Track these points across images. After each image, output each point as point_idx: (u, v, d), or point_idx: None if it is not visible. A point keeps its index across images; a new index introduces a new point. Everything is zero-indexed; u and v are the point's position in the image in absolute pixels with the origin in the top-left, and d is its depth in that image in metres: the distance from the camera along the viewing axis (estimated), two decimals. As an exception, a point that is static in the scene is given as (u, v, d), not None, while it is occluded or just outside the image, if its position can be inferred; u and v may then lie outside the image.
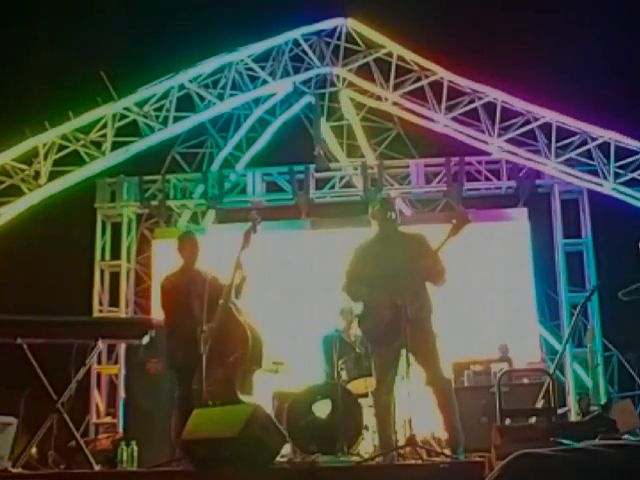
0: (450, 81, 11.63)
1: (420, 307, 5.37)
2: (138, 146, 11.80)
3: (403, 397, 5.46)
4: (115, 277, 12.27)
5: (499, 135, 11.51)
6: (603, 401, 9.83)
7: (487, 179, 12.03)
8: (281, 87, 12.34)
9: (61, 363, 5.89)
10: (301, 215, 12.04)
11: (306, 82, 12.46)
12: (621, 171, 11.28)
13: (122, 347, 11.30)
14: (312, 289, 11.16)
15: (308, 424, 6.43)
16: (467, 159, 11.91)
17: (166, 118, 11.78)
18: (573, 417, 9.84)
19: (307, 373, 7.69)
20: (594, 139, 11.37)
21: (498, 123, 11.48)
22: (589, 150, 11.39)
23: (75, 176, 11.56)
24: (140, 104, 11.75)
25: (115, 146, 11.69)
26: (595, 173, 11.38)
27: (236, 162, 12.87)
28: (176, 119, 11.84)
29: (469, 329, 10.63)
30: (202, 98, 11.95)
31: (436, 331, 5.52)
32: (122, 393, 11.13)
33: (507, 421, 6.13)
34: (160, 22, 13.11)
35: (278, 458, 5.37)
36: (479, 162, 11.99)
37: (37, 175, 11.47)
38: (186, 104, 11.91)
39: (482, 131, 11.58)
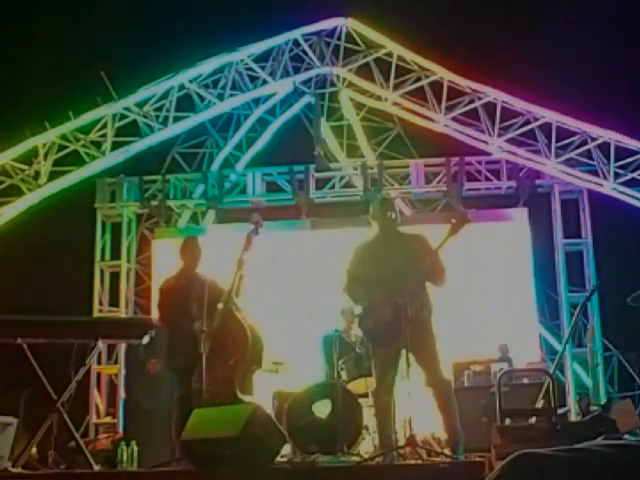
0: (450, 81, 11.63)
1: (420, 307, 5.37)
2: (138, 146, 11.80)
3: (403, 397, 5.46)
4: (115, 277, 12.27)
5: (499, 135, 11.51)
6: (603, 401, 9.83)
7: (487, 179, 12.03)
8: (281, 87, 12.34)
9: (61, 363, 5.89)
10: (301, 215, 12.05)
11: (306, 82, 12.46)
12: (621, 171, 11.28)
13: (122, 347, 11.30)
14: (312, 289, 11.16)
15: (308, 424, 6.43)
16: (467, 159, 11.92)
17: (166, 118, 11.78)
18: (573, 417, 9.83)
19: (307, 373, 7.69)
20: (594, 139, 11.37)
21: (498, 123, 11.48)
22: (589, 150, 11.39)
23: (75, 176, 11.56)
24: (140, 104, 11.76)
25: (115, 146, 11.69)
26: (595, 173, 11.38)
27: (236, 162, 12.87)
28: (176, 119, 11.84)
29: (469, 329, 10.63)
30: (202, 98, 11.95)
31: (436, 332, 5.52)
32: (122, 393, 11.13)
33: (507, 421, 6.13)
34: (160, 22, 13.11)
35: (278, 458, 5.37)
36: (479, 162, 12.00)
37: (37, 175, 11.47)
38: (186, 104, 11.91)
39: (482, 131, 11.58)
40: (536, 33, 12.25)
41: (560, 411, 7.34)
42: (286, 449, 6.06)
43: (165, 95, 11.79)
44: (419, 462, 5.07)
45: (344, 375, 6.88)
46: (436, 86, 11.66)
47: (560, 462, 1.65)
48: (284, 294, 11.38)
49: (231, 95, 12.03)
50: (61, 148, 11.56)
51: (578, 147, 11.40)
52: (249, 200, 12.39)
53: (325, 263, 10.95)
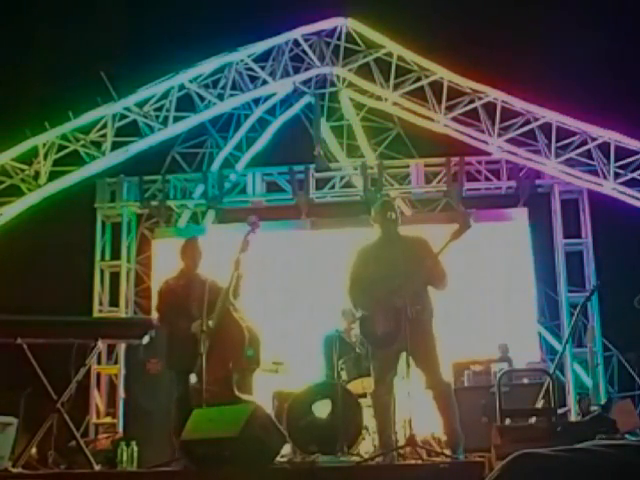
0: (450, 81, 11.63)
1: (421, 310, 5.37)
2: (138, 146, 11.80)
3: (403, 397, 5.46)
4: (115, 277, 12.28)
5: (499, 135, 11.51)
6: (603, 401, 9.84)
7: (487, 179, 12.03)
8: (281, 87, 12.34)
9: (61, 363, 5.88)
10: (301, 215, 12.05)
11: (306, 82, 12.46)
12: (621, 171, 11.28)
13: (122, 347, 11.30)
14: (312, 289, 11.17)
15: (308, 424, 6.43)
16: (467, 159, 11.92)
17: (166, 118, 11.78)
18: (573, 417, 9.84)
19: (307, 373, 7.69)
20: (594, 139, 11.37)
21: (498, 123, 11.49)
22: (589, 150, 11.39)
23: (75, 176, 11.57)
24: (140, 104, 11.76)
25: (115, 146, 11.70)
26: (595, 173, 11.38)
27: (236, 162, 12.87)
28: (176, 119, 11.84)
29: (469, 329, 10.64)
30: (202, 98, 11.95)
31: (437, 334, 5.52)
32: (122, 393, 11.13)
33: (507, 421, 6.13)
34: (160, 22, 13.11)
35: (278, 458, 5.37)
36: (479, 162, 12.00)
37: (37, 175, 11.48)
38: (186, 104, 11.91)
39: (482, 131, 11.58)
40: (536, 33, 12.24)
41: (560, 411, 7.34)
42: (286, 449, 6.06)
43: (165, 95, 11.79)
44: (419, 462, 5.07)
45: (344, 375, 6.88)
46: (436, 86, 11.66)
47: (560, 462, 1.65)
48: (284, 294, 11.38)
49: (231, 95, 12.02)
50: (61, 148, 11.57)
51: (578, 147, 11.40)
52: (249, 200, 12.39)
53: (325, 263, 10.96)
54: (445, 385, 5.48)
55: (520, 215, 11.55)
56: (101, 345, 7.13)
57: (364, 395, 6.27)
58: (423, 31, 11.85)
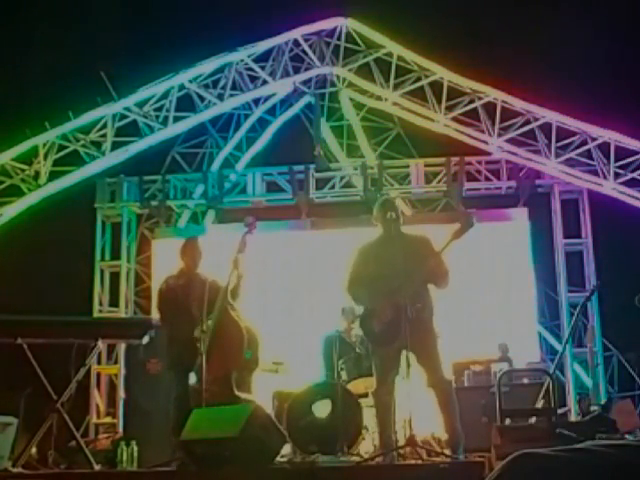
0: (450, 81, 11.63)
1: (422, 308, 5.37)
2: (138, 146, 11.80)
3: (403, 397, 5.46)
4: (115, 277, 12.28)
5: (499, 135, 11.51)
6: (603, 401, 9.85)
7: (487, 179, 12.04)
8: (281, 87, 12.34)
9: (61, 363, 5.89)
10: (301, 215, 12.05)
11: (306, 82, 12.46)
12: (621, 171, 11.28)
13: (122, 347, 11.30)
14: (312, 289, 11.17)
15: (308, 424, 6.43)
16: (467, 159, 11.92)
17: (166, 118, 11.78)
18: (573, 417, 9.84)
19: (307, 373, 7.69)
20: (594, 139, 11.37)
21: (498, 123, 11.49)
22: (589, 150, 11.39)
23: (75, 176, 11.57)
24: (140, 104, 11.76)
25: (115, 146, 11.70)
26: (595, 173, 11.38)
27: (236, 162, 12.87)
28: (176, 119, 11.84)
29: (469, 329, 10.64)
30: (202, 98, 11.95)
31: (438, 332, 5.52)
32: (122, 393, 11.13)
33: (507, 421, 6.14)
34: (160, 22, 13.11)
35: (278, 458, 5.37)
36: (479, 162, 12.00)
37: (37, 175, 11.48)
38: (186, 104, 11.91)
39: (482, 131, 11.58)
40: (536, 33, 12.24)
41: (560, 411, 7.35)
42: (286, 449, 6.06)
43: (165, 95, 11.79)
44: (419, 462, 5.07)
45: (344, 375, 6.88)
46: (436, 86, 11.66)
47: (560, 462, 1.65)
48: (284, 294, 11.38)
49: (231, 95, 12.02)
50: (61, 148, 11.57)
51: (578, 147, 11.40)
52: (249, 200, 12.39)
53: (325, 263, 10.96)
54: (446, 383, 5.48)
55: (520, 215, 11.55)
56: (101, 345, 7.13)
57: (365, 395, 6.27)
58: (423, 31, 11.85)
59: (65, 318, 6.20)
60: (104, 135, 11.65)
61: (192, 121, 12.06)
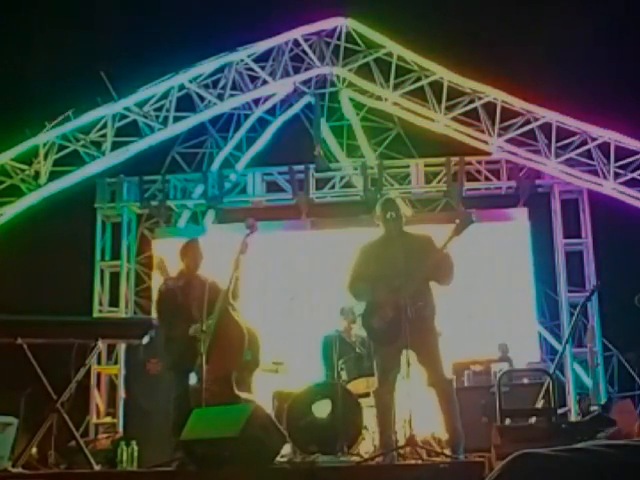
0: (450, 81, 11.63)
1: (423, 307, 5.37)
2: (138, 146, 11.80)
3: (403, 397, 5.46)
4: (115, 277, 12.28)
5: (499, 135, 11.51)
6: (603, 401, 9.84)
7: (487, 179, 12.03)
8: (281, 87, 12.34)
9: (61, 363, 5.89)
10: (301, 215, 12.04)
11: (306, 82, 12.46)
12: (621, 171, 11.28)
13: (122, 347, 11.30)
14: (312, 289, 11.16)
15: (308, 424, 6.43)
16: (467, 159, 11.92)
17: (166, 118, 11.78)
18: (573, 417, 9.84)
19: (307, 373, 7.69)
20: (594, 139, 11.37)
21: (498, 123, 11.48)
22: (589, 150, 11.39)
23: (75, 176, 11.57)
24: (140, 104, 11.76)
25: (115, 146, 11.70)
26: (595, 173, 11.38)
27: (236, 162, 12.87)
28: (176, 119, 11.84)
29: (469, 329, 10.64)
30: (202, 98, 11.95)
31: (439, 331, 5.52)
32: (122, 393, 11.13)
33: (507, 421, 6.14)
34: (160, 22, 13.11)
35: (278, 458, 5.37)
36: (479, 162, 12.00)
37: (37, 175, 11.48)
38: (186, 104, 11.91)
39: (482, 131, 11.58)
40: (536, 33, 12.25)
41: (560, 411, 7.34)
42: (286, 449, 6.06)
43: (165, 95, 11.79)
44: (419, 462, 5.07)
45: (344, 375, 6.88)
46: (436, 86, 11.65)
47: (560, 462, 1.65)
48: (284, 294, 11.38)
49: (231, 95, 12.02)
50: (61, 148, 11.57)
51: (578, 147, 11.40)
52: (249, 200, 12.39)
53: (325, 263, 10.97)
54: (447, 382, 5.48)
55: (520, 215, 11.55)
56: (101, 345, 7.12)
57: (365, 395, 6.27)
58: (423, 31, 11.85)
59: (65, 318, 6.20)
60: (104, 135, 11.65)
61: (192, 121, 12.06)
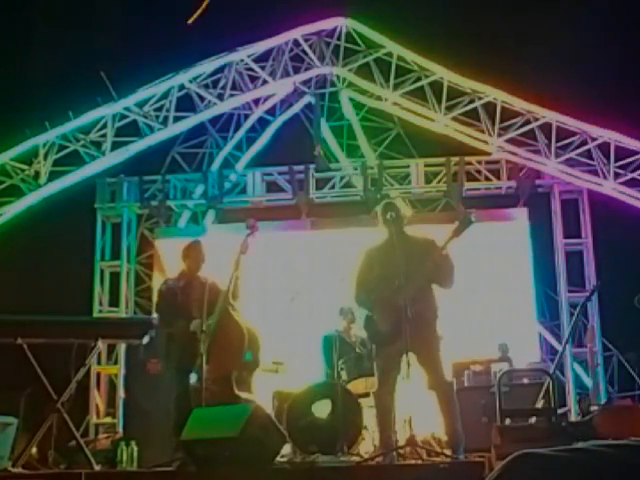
0: (450, 81, 11.63)
1: (425, 309, 5.38)
2: (138, 146, 11.80)
3: (403, 397, 5.46)
4: (115, 277, 12.27)
5: (499, 135, 11.50)
6: (603, 401, 9.84)
7: (487, 179, 12.03)
8: (281, 87, 12.34)
9: (61, 363, 5.89)
10: (301, 215, 12.04)
11: (306, 82, 12.45)
12: (621, 171, 11.28)
13: (122, 347, 11.30)
14: (312, 289, 11.16)
15: (308, 424, 6.43)
16: (467, 159, 11.91)
17: (166, 118, 11.77)
18: (573, 417, 9.83)
19: (307, 373, 7.69)
20: (594, 139, 11.37)
21: (498, 123, 11.48)
22: (589, 150, 11.38)
23: (75, 176, 11.57)
24: (140, 104, 11.75)
25: (115, 146, 11.69)
26: (595, 173, 11.38)
27: (236, 162, 12.87)
28: (176, 119, 11.84)
29: (469, 329, 10.63)
30: (202, 98, 11.94)
31: (440, 334, 5.52)
32: (122, 393, 11.13)
33: (507, 421, 6.13)
34: (160, 22, 13.10)
35: (278, 458, 5.37)
36: (479, 162, 12.00)
37: (37, 175, 11.48)
38: (186, 104, 11.90)
39: (482, 131, 11.57)
40: (536, 33, 12.24)
41: (560, 411, 7.34)
42: (286, 449, 6.06)
43: (165, 95, 11.79)
44: (419, 462, 5.07)
45: (344, 375, 6.88)
46: (436, 86, 11.65)
47: (560, 462, 1.65)
48: (284, 294, 11.37)
49: (231, 95, 12.02)
50: (61, 148, 11.57)
51: (578, 147, 11.39)
52: (249, 200, 12.38)
53: (325, 263, 10.97)
54: (447, 385, 5.48)
55: (520, 215, 11.54)
56: (101, 345, 7.13)
57: (365, 395, 6.27)
58: (423, 31, 11.84)
59: (65, 318, 6.21)
60: (104, 135, 11.64)
61: (192, 121, 12.06)
